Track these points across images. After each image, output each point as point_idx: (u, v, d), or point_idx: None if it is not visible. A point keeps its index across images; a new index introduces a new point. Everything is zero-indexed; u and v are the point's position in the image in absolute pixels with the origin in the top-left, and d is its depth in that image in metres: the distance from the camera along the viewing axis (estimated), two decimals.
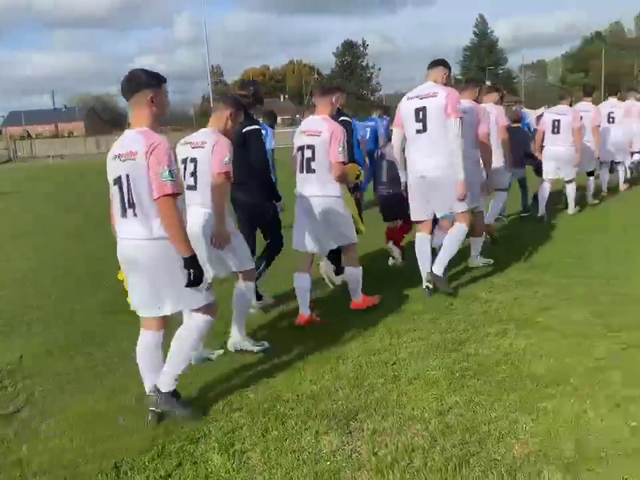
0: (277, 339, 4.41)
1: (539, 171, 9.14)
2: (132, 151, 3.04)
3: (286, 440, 3.00)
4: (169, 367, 3.29)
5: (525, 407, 3.12)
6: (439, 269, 5.14)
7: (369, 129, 10.41)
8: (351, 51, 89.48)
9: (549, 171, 8.69)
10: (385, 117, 10.84)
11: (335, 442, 2.94)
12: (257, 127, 4.75)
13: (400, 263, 6.39)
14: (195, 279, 3.06)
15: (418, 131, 5.03)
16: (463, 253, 6.05)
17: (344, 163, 4.57)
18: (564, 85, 79.27)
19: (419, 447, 2.83)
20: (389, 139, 6.10)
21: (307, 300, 4.74)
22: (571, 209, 8.85)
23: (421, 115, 4.98)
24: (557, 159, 8.55)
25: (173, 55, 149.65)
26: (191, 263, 3.04)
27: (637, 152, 11.48)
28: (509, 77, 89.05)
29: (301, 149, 4.65)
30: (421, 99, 5.02)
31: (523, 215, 8.83)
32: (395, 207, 6.11)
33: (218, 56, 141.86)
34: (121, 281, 3.53)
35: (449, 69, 5.27)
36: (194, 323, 3.35)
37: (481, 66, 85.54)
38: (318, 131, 4.56)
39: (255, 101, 5.00)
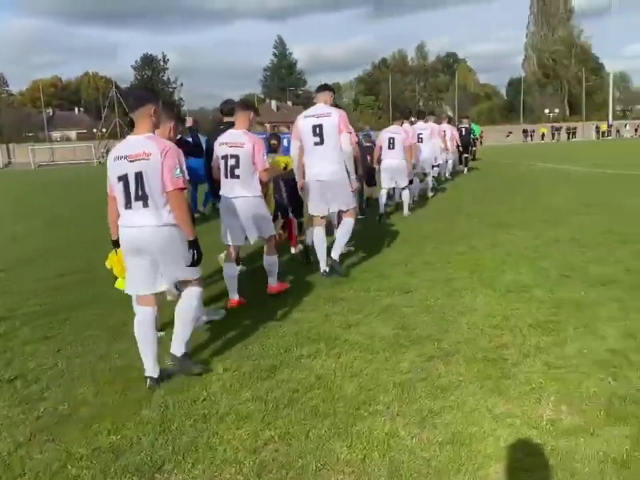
0: (74, 386, 3.89)
1: (370, 182, 11.20)
2: (145, 152, 3.56)
3: None
4: (179, 334, 3.90)
5: (339, 432, 3.05)
6: (336, 254, 6.35)
7: None
8: (150, 65, 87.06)
9: (385, 180, 10.40)
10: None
11: None
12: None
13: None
14: (198, 258, 3.73)
15: (316, 143, 6.07)
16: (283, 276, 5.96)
17: (267, 170, 5.49)
18: (357, 107, 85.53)
19: None
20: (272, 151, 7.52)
21: (235, 286, 5.47)
22: (405, 212, 10.65)
23: (318, 130, 6.04)
24: (391, 170, 10.26)
25: None
26: (195, 244, 3.70)
27: (436, 165, 14.53)
28: (309, 98, 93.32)
29: (225, 158, 5.37)
30: (317, 117, 6.08)
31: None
32: (279, 210, 7.45)
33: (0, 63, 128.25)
34: (110, 268, 4.23)
35: (334, 92, 6.54)
36: (191, 294, 3.91)
37: (282, 86, 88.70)
38: (241, 143, 5.31)
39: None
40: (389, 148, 10.22)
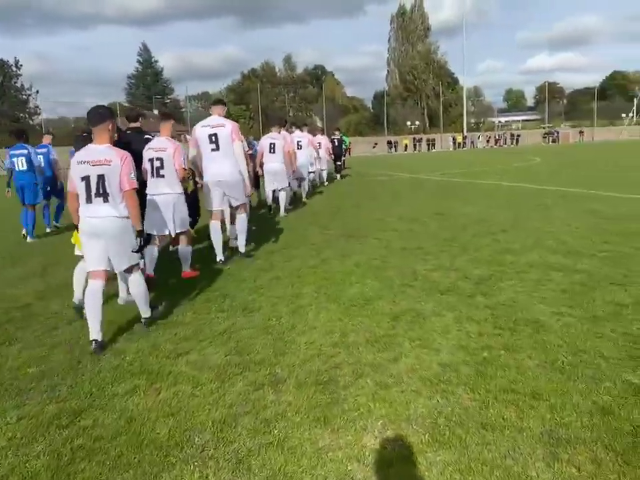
0: None
1: (255, 185, 11.73)
2: (107, 159, 4.42)
3: None
4: (142, 305, 4.89)
5: None
6: (243, 248, 7.55)
7: (42, 156, 10.99)
8: (1, 70, 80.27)
9: (268, 182, 11.59)
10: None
11: None
12: None
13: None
14: (144, 244, 4.75)
15: (213, 150, 7.14)
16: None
17: (184, 169, 6.44)
18: (229, 116, 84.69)
19: None
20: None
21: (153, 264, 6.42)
22: (282, 212, 11.66)
23: (214, 138, 7.11)
24: (273, 172, 11.41)
25: None
26: (142, 233, 4.64)
27: (312, 172, 16.00)
28: (176, 107, 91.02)
29: (151, 160, 6.34)
30: (212, 127, 7.14)
31: None
32: None
33: None
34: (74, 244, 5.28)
35: (225, 105, 7.76)
36: (136, 277, 4.79)
37: (148, 94, 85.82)
38: (164, 147, 6.32)
39: None
40: (270, 152, 11.26)
